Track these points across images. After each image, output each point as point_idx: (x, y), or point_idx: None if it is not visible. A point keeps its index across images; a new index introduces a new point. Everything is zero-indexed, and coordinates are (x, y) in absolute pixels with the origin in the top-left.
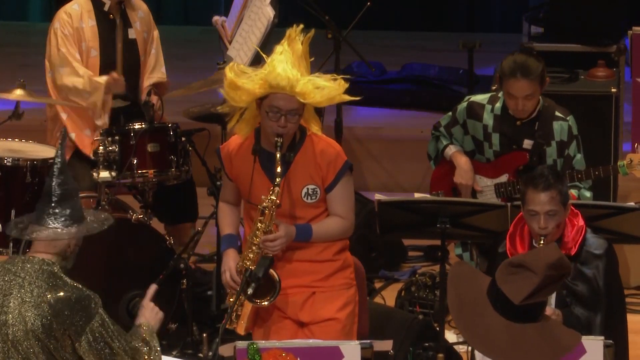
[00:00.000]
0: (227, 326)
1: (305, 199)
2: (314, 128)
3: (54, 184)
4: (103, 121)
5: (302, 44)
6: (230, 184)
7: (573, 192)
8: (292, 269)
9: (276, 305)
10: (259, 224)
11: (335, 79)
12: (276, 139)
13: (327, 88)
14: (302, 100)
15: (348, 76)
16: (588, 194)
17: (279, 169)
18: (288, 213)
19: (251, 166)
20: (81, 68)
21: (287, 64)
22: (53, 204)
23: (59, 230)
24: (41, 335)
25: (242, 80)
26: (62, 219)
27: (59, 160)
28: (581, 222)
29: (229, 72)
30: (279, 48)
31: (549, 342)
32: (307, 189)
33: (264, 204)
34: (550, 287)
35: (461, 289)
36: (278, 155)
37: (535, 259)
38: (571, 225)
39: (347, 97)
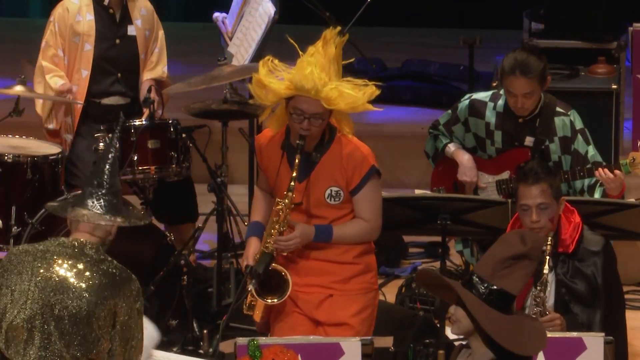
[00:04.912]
0: (244, 312)
1: (328, 200)
2: (345, 130)
3: (106, 169)
4: (52, 125)
5: (335, 48)
6: (263, 173)
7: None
8: (310, 268)
9: (293, 302)
10: (275, 225)
11: (366, 85)
12: (298, 141)
13: (352, 97)
14: (325, 106)
15: (380, 83)
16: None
17: (294, 174)
18: (311, 212)
19: (279, 160)
20: (57, 73)
21: (315, 67)
22: (104, 190)
23: (108, 217)
24: (89, 313)
25: (269, 79)
26: (109, 205)
27: (113, 148)
28: (577, 219)
29: (261, 68)
30: (311, 49)
31: (539, 324)
32: (331, 190)
33: (278, 206)
34: None
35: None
36: (297, 160)
37: (534, 247)
38: (568, 222)
39: (371, 107)
